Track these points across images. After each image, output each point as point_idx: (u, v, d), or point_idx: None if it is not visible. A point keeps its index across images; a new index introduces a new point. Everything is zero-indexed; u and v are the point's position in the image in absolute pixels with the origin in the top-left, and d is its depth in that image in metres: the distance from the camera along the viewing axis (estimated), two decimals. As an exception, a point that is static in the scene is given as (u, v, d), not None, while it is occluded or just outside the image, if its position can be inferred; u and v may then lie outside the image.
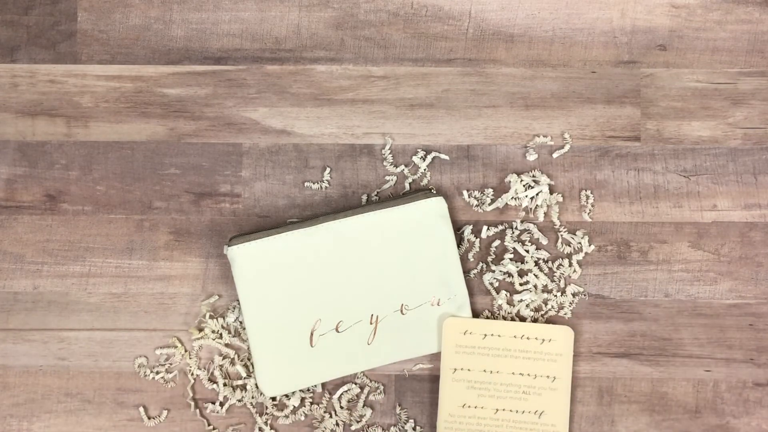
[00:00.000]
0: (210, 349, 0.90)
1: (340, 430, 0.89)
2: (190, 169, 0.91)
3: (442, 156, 0.90)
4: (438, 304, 0.87)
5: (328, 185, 0.91)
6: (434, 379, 0.89)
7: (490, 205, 0.90)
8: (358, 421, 0.89)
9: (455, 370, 0.87)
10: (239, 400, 0.89)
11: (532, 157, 0.90)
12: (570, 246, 0.90)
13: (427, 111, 0.91)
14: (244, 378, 0.89)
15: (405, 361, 0.89)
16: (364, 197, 0.91)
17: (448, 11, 0.91)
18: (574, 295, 0.89)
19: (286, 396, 0.89)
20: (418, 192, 0.89)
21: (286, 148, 0.91)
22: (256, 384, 0.89)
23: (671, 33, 0.90)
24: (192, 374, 0.90)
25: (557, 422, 0.86)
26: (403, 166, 0.90)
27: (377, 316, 0.86)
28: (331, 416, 0.89)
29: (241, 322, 0.90)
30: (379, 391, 0.89)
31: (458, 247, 0.89)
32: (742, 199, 0.89)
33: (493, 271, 0.89)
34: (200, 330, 0.90)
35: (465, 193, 0.90)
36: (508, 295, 0.90)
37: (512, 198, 0.89)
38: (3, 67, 0.92)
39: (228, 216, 0.91)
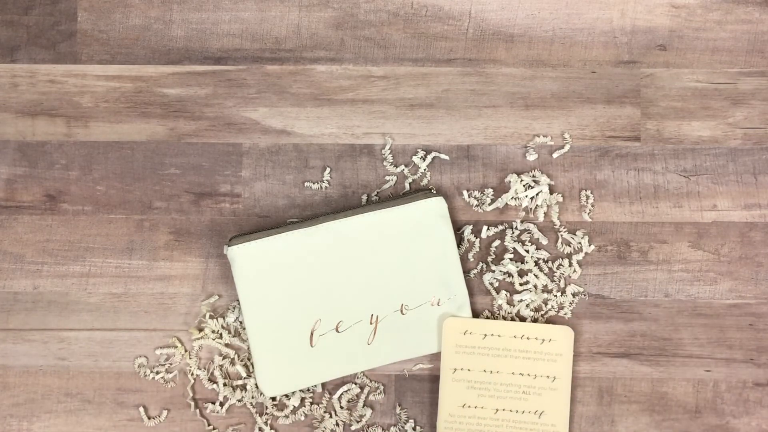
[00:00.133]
0: (210, 349, 0.90)
1: (340, 430, 0.89)
2: (190, 169, 0.91)
3: (442, 156, 0.90)
4: (438, 304, 0.87)
5: (328, 185, 0.91)
6: (434, 379, 0.89)
7: (490, 205, 0.90)
8: (358, 421, 0.89)
9: (455, 370, 0.87)
10: (239, 400, 0.89)
11: (532, 157, 0.90)
12: (570, 246, 0.90)
13: (427, 111, 0.91)
14: (244, 378, 0.89)
15: (405, 361, 0.89)
16: (364, 197, 0.91)
17: (448, 11, 0.91)
18: (574, 295, 0.89)
19: (286, 396, 0.89)
20: (418, 192, 0.89)
21: (286, 148, 0.91)
22: (256, 384, 0.89)
23: (671, 33, 0.90)
24: (192, 374, 0.90)
25: (557, 422, 0.86)
26: (403, 166, 0.90)
27: (377, 316, 0.86)
28: (331, 416, 0.89)
29: (241, 322, 0.90)
30: (379, 391, 0.89)
31: (458, 247, 0.89)
32: (742, 199, 0.89)
33: (493, 271, 0.89)
34: (200, 330, 0.90)
35: (465, 193, 0.90)
36: (508, 295, 0.90)
37: (512, 198, 0.89)
38: (3, 67, 0.92)
39: (228, 216, 0.91)
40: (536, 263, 0.89)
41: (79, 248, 0.91)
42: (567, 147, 0.90)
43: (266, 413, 0.89)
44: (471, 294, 0.89)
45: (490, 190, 0.90)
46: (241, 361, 0.89)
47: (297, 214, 0.90)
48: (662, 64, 0.90)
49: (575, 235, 0.90)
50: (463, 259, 0.90)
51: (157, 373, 0.90)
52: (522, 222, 0.90)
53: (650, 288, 0.89)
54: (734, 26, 0.90)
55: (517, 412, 0.86)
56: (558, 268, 0.89)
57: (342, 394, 0.89)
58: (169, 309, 0.90)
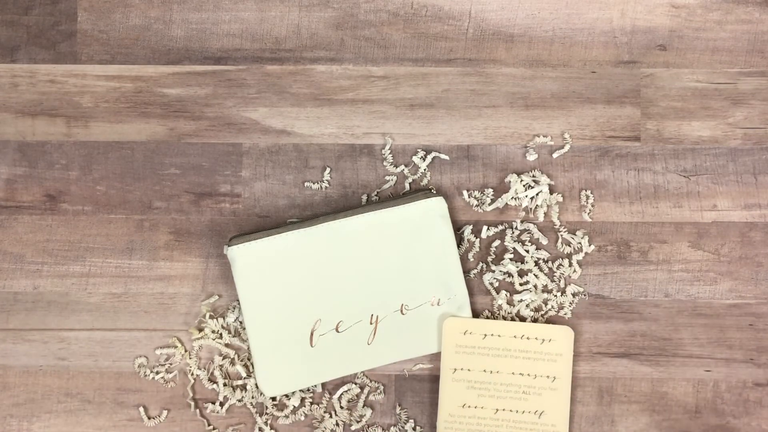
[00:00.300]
0: (210, 349, 0.90)
1: (340, 430, 0.89)
2: (190, 169, 0.91)
3: (442, 156, 0.90)
4: (438, 304, 0.87)
5: (328, 185, 0.91)
6: (434, 379, 0.89)
7: (490, 205, 0.90)
8: (358, 421, 0.89)
9: (455, 370, 0.87)
10: (239, 400, 0.89)
11: (532, 157, 0.90)
12: (570, 246, 0.90)
13: (427, 111, 0.91)
14: (244, 378, 0.89)
15: (405, 361, 0.89)
16: (364, 197, 0.91)
17: (448, 11, 0.91)
18: (574, 295, 0.89)
19: (286, 396, 0.89)
20: (418, 192, 0.89)
21: (286, 148, 0.91)
22: (256, 384, 0.89)
23: (671, 33, 0.90)
24: (192, 374, 0.90)
25: (557, 422, 0.86)
26: (403, 166, 0.90)
27: (377, 316, 0.86)
28: (331, 416, 0.89)
29: (241, 322, 0.90)
30: (379, 391, 0.89)
31: (458, 247, 0.89)
32: (742, 199, 0.89)
33: (493, 271, 0.89)
34: (200, 330, 0.90)
35: (465, 193, 0.90)
36: (508, 295, 0.90)
37: (512, 198, 0.89)
38: (3, 67, 0.92)
39: (228, 216, 0.91)
40: (536, 263, 0.89)
41: (79, 248, 0.91)
42: (567, 147, 0.90)
43: (266, 413, 0.89)
44: (471, 294, 0.89)
45: (490, 190, 0.90)
46: (241, 361, 0.89)
47: (297, 214, 0.90)
48: (662, 64, 0.90)
49: (575, 235, 0.90)
50: (463, 259, 0.90)
51: (157, 373, 0.90)
52: (522, 222, 0.90)
53: (650, 288, 0.89)
54: (734, 26, 0.90)
55: (517, 412, 0.86)
56: (558, 268, 0.89)
57: (342, 394, 0.89)
58: (169, 309, 0.90)
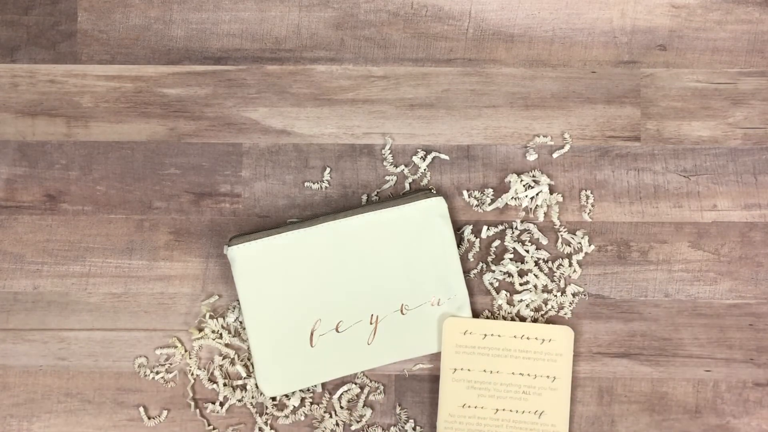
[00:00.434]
0: (210, 349, 0.90)
1: (340, 430, 0.89)
2: (190, 169, 0.91)
3: (442, 156, 0.90)
4: (438, 304, 0.87)
5: (328, 185, 0.91)
6: (434, 379, 0.89)
7: (490, 205, 0.90)
8: (358, 421, 0.89)
9: (455, 370, 0.87)
10: (239, 400, 0.89)
11: (532, 157, 0.90)
12: (570, 246, 0.90)
13: (427, 111, 0.91)
14: (244, 378, 0.89)
15: (405, 361, 0.89)
16: (364, 197, 0.91)
17: (448, 11, 0.91)
18: (574, 295, 0.89)
19: (286, 396, 0.89)
20: (418, 192, 0.89)
21: (286, 148, 0.91)
22: (256, 384, 0.89)
23: (671, 33, 0.90)
24: (192, 374, 0.90)
25: (557, 422, 0.86)
26: (403, 166, 0.90)
27: (377, 316, 0.86)
28: (331, 416, 0.89)
29: (241, 322, 0.90)
30: (379, 391, 0.89)
31: (458, 247, 0.89)
32: (742, 199, 0.89)
33: (493, 271, 0.89)
34: (200, 330, 0.90)
35: (465, 193, 0.90)
36: (508, 295, 0.90)
37: (512, 198, 0.89)
38: (3, 67, 0.92)
39: (228, 216, 0.91)
40: (536, 263, 0.89)
41: (79, 248, 0.91)
42: (567, 147, 0.90)
43: (266, 413, 0.89)
44: (471, 294, 0.89)
45: (490, 190, 0.90)
46: (241, 361, 0.89)
47: (297, 214, 0.90)
48: (662, 64, 0.90)
49: (575, 235, 0.90)
50: (463, 259, 0.90)
51: (157, 373, 0.90)
52: (522, 222, 0.90)
53: (650, 288, 0.89)
54: (734, 26, 0.90)
55: (517, 412, 0.86)
56: (558, 268, 0.89)
57: (342, 394, 0.89)
58: (169, 309, 0.90)
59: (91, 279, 0.90)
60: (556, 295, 0.89)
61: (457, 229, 0.90)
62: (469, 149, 0.90)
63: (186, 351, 0.90)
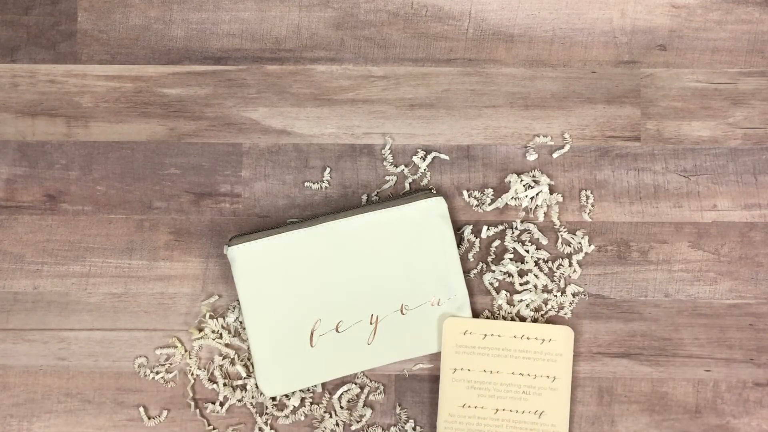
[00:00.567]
0: (210, 349, 0.90)
1: (340, 430, 0.89)
2: (190, 169, 0.91)
3: (442, 156, 0.90)
4: (438, 304, 0.87)
5: (328, 185, 0.91)
6: (434, 379, 0.89)
7: (490, 205, 0.90)
8: (358, 421, 0.89)
9: (455, 370, 0.87)
10: (239, 400, 0.89)
11: (532, 157, 0.90)
12: (570, 246, 0.90)
13: (427, 111, 0.91)
14: (244, 378, 0.89)
15: (405, 361, 0.89)
16: (364, 197, 0.91)
17: (448, 11, 0.91)
18: (574, 295, 0.89)
19: (286, 396, 0.89)
20: (418, 192, 0.89)
21: (286, 148, 0.91)
22: (256, 384, 0.89)
23: (671, 33, 0.90)
24: (192, 374, 0.90)
25: (557, 422, 0.86)
26: (403, 166, 0.90)
27: (377, 316, 0.86)
28: (331, 416, 0.89)
29: (241, 322, 0.90)
30: (379, 391, 0.89)
31: (458, 247, 0.89)
32: (742, 199, 0.89)
33: (493, 271, 0.89)
34: (200, 330, 0.90)
35: (465, 193, 0.90)
36: (508, 295, 0.90)
37: (512, 198, 0.89)
38: (3, 67, 0.92)
39: (228, 216, 0.91)
40: (536, 263, 0.89)
41: (79, 248, 0.91)
42: (567, 147, 0.90)
43: (266, 413, 0.89)
44: (471, 294, 0.89)
45: (490, 190, 0.90)
46: (241, 361, 0.89)
47: (297, 214, 0.90)
48: (662, 64, 0.90)
49: (575, 235, 0.90)
50: (463, 259, 0.90)
51: (157, 373, 0.90)
52: (522, 222, 0.90)
53: (650, 288, 0.89)
54: (734, 26, 0.90)
55: (517, 412, 0.86)
56: (558, 268, 0.89)
57: (342, 394, 0.89)
58: (169, 309, 0.90)
59: (91, 279, 0.90)
60: (556, 295, 0.89)
61: (457, 229, 0.90)
62: (469, 149, 0.90)
63: (186, 351, 0.90)
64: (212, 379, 0.90)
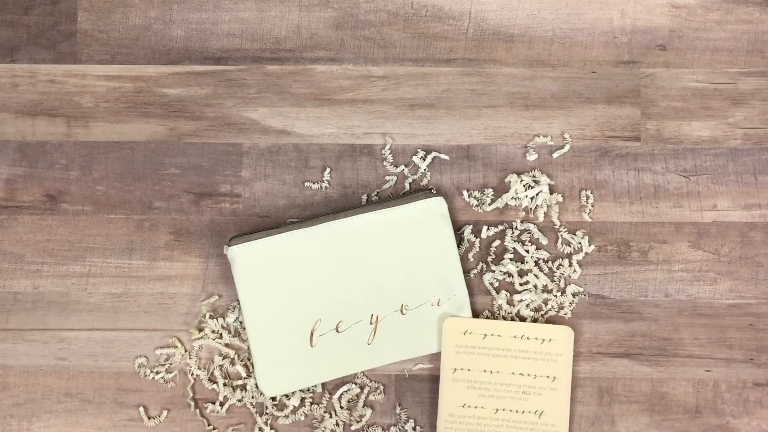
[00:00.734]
0: (210, 349, 0.90)
1: (340, 430, 0.89)
2: (190, 169, 0.91)
3: (442, 156, 0.90)
4: (438, 304, 0.87)
5: (328, 185, 0.91)
6: (434, 379, 0.89)
7: (490, 205, 0.90)
8: (358, 421, 0.89)
9: (455, 370, 0.87)
10: (239, 400, 0.89)
11: (532, 157, 0.90)
12: (570, 246, 0.90)
13: (427, 111, 0.91)
14: (244, 378, 0.89)
15: (405, 361, 0.89)
16: (364, 197, 0.91)
17: (448, 11, 0.91)
18: (574, 295, 0.89)
19: (286, 396, 0.89)
20: (418, 192, 0.89)
21: (286, 148, 0.91)
22: (256, 384, 0.89)
23: (671, 33, 0.90)
24: (192, 374, 0.90)
25: (557, 422, 0.86)
26: (403, 166, 0.90)
27: (377, 316, 0.86)
28: (331, 416, 0.89)
29: (241, 322, 0.90)
30: (379, 391, 0.89)
31: (458, 247, 0.89)
32: (742, 199, 0.89)
33: (493, 271, 0.89)
34: (200, 330, 0.90)
35: (465, 193, 0.90)
36: (508, 295, 0.90)
37: (512, 198, 0.89)
38: (3, 67, 0.92)
39: (228, 216, 0.91)
40: (536, 263, 0.89)
41: (79, 248, 0.91)
42: (567, 147, 0.90)
43: (266, 413, 0.89)
44: (471, 294, 0.89)
45: (490, 190, 0.90)
46: (241, 361, 0.89)
47: (297, 214, 0.90)
48: (662, 64, 0.90)
49: (575, 235, 0.90)
50: (463, 259, 0.90)
51: (157, 373, 0.90)
52: (522, 222, 0.90)
53: (650, 288, 0.89)
54: (734, 26, 0.90)
55: (517, 412, 0.86)
56: (558, 268, 0.89)
57: (342, 394, 0.89)
58: (169, 309, 0.90)
59: (91, 279, 0.90)
60: (556, 295, 0.89)
61: (457, 229, 0.90)
62: (469, 149, 0.90)
63: (186, 351, 0.90)
64: (212, 379, 0.90)
